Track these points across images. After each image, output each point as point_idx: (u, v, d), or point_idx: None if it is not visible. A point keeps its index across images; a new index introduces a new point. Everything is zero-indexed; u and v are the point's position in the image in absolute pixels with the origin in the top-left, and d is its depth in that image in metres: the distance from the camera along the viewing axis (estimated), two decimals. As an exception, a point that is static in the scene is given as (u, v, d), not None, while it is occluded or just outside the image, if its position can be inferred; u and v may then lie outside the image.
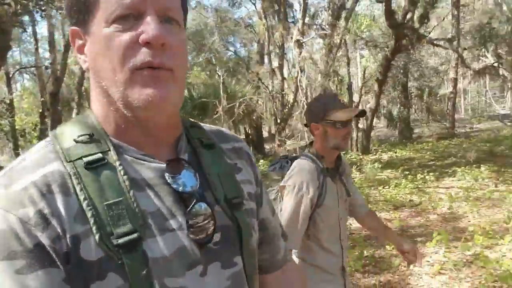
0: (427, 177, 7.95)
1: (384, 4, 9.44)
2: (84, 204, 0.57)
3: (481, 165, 8.13)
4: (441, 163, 9.80)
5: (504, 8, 17.92)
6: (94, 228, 0.56)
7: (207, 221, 0.65)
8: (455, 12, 15.38)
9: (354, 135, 13.37)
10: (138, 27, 0.59)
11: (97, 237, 0.56)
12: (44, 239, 0.54)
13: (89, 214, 0.56)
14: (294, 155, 2.05)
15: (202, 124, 0.80)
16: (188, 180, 0.66)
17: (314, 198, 1.71)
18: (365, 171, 9.09)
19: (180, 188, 0.65)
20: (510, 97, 28.13)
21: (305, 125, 1.89)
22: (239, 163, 0.78)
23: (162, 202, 0.63)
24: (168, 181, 0.64)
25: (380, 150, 13.59)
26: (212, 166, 0.71)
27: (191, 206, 0.64)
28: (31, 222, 0.54)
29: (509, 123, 18.55)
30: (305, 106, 1.88)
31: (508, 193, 5.95)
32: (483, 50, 20.38)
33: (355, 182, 7.66)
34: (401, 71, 16.07)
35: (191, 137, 0.73)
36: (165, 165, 0.65)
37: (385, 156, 12.13)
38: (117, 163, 0.61)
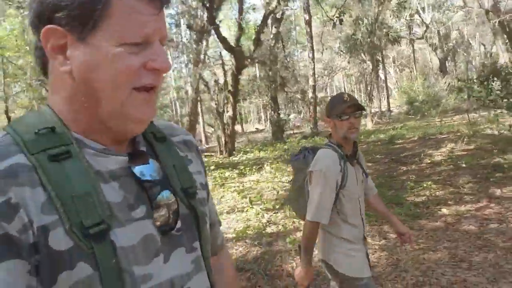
0: (230, 174, 9.86)
1: (215, 31, 11.24)
2: (52, 195, 0.57)
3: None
4: (263, 162, 11.86)
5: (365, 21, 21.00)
6: (63, 218, 0.57)
7: (171, 208, 0.69)
8: (308, 29, 17.88)
9: (222, 139, 15.24)
10: (145, 53, 0.64)
11: (66, 227, 0.57)
12: (10, 229, 0.54)
13: (57, 204, 0.57)
14: (314, 146, 2.33)
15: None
16: (150, 170, 0.69)
17: (338, 180, 2.01)
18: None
19: (147, 178, 0.67)
20: (381, 95, 32.06)
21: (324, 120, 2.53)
22: (189, 155, 0.82)
23: (127, 192, 0.65)
24: (134, 171, 0.66)
25: (247, 151, 15.56)
26: (167, 158, 0.74)
27: (157, 194, 0.67)
28: None
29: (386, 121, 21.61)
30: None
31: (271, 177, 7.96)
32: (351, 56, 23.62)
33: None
34: (271, 79, 18.18)
35: (145, 131, 0.75)
36: (126, 157, 0.68)
37: (243, 157, 14.08)
38: (81, 156, 0.62)
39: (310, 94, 18.49)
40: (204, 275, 0.76)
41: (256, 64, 18.04)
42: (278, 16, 17.55)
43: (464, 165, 7.43)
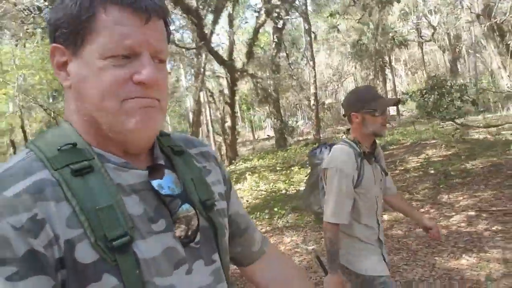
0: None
1: (206, 47, 11.84)
2: (77, 209, 0.59)
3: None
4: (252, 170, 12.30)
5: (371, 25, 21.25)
6: (88, 232, 0.58)
7: (191, 221, 0.70)
8: (308, 38, 18.27)
9: (224, 148, 15.81)
10: (132, 66, 0.64)
11: (92, 239, 0.58)
12: (36, 245, 0.55)
13: (82, 218, 0.59)
14: (332, 142, 2.23)
15: (168, 132, 0.83)
16: (170, 183, 0.70)
17: (354, 177, 1.93)
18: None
19: (166, 192, 0.69)
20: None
21: (343, 115, 2.12)
22: (207, 166, 0.83)
23: (147, 206, 0.67)
24: (154, 185, 0.68)
25: (248, 159, 16.05)
26: (185, 171, 0.75)
27: (178, 208, 0.69)
28: (24, 228, 0.55)
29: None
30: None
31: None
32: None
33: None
34: (273, 89, 18.65)
35: (163, 145, 0.77)
36: (146, 171, 0.69)
37: (241, 166, 14.57)
38: (103, 170, 0.63)
39: (312, 102, 18.81)
40: (224, 286, 0.76)
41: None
42: (279, 25, 18.07)
43: (432, 172, 7.69)
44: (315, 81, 18.94)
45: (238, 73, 12.24)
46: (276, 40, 17.73)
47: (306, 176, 8.98)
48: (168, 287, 0.65)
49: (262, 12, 10.99)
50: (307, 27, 18.92)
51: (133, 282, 0.60)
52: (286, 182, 9.24)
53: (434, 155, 9.39)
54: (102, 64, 0.63)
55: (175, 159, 0.77)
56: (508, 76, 13.38)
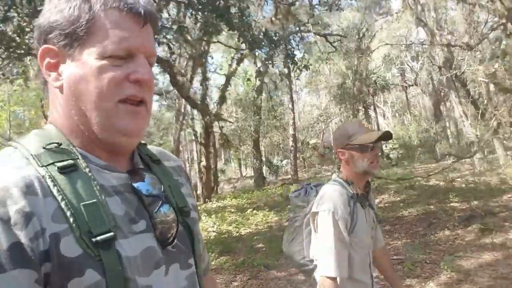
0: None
1: (178, 91, 12.53)
2: (63, 204, 0.60)
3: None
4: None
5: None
6: (73, 226, 0.59)
7: (171, 221, 0.72)
8: (287, 82, 19.09)
9: (199, 187, 16.21)
10: (128, 66, 0.68)
11: (77, 234, 0.59)
12: (22, 238, 0.56)
13: (68, 213, 0.60)
14: (318, 182, 2.01)
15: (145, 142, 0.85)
16: (149, 186, 0.73)
17: (348, 224, 1.68)
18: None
19: (148, 192, 0.71)
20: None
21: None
22: (180, 179, 0.86)
23: (128, 207, 0.68)
24: (135, 186, 0.70)
25: (224, 198, 16.37)
26: (162, 178, 0.78)
27: (158, 208, 0.71)
28: (11, 221, 0.56)
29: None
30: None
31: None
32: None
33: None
34: (253, 129, 19.28)
35: (142, 153, 0.81)
36: (127, 174, 0.71)
37: (213, 205, 14.88)
38: (87, 170, 0.65)
39: (290, 143, 19.39)
40: None
41: (236, 116, 19.34)
42: (261, 69, 18.96)
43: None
44: (293, 123, 19.62)
45: (207, 117, 12.86)
46: (257, 82, 18.57)
47: (286, 221, 9.17)
48: (147, 287, 0.66)
49: (235, 58, 11.76)
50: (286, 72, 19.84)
51: (115, 278, 0.60)
52: (237, 224, 9.57)
53: (383, 200, 9.76)
54: (101, 64, 0.66)
55: (154, 167, 0.80)
56: (470, 124, 13.91)
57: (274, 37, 7.57)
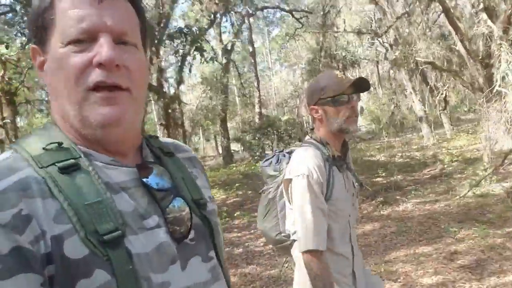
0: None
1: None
2: (65, 205, 0.58)
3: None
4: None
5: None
6: (77, 226, 0.57)
7: (184, 216, 0.69)
8: (252, 60, 19.37)
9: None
10: (91, 49, 0.62)
11: (81, 234, 0.57)
12: (22, 242, 0.54)
13: (70, 213, 0.58)
14: (290, 148, 1.81)
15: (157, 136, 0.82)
16: (162, 180, 0.70)
17: (324, 189, 1.51)
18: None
19: (159, 186, 0.68)
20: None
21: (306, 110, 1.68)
22: (194, 171, 0.83)
23: (137, 203, 0.65)
24: (145, 181, 0.67)
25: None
26: (175, 171, 0.75)
27: (170, 202, 0.68)
28: (9, 225, 0.54)
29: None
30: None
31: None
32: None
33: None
34: (220, 108, 19.69)
35: (152, 146, 0.77)
36: (135, 168, 0.68)
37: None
38: (90, 168, 0.62)
39: (257, 121, 19.87)
40: (223, 284, 0.76)
41: (203, 95, 19.72)
42: (228, 47, 19.20)
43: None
44: (259, 100, 20.07)
45: (165, 98, 13.25)
46: (224, 61, 18.84)
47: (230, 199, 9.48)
48: (163, 283, 0.64)
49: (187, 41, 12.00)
50: (251, 50, 20.13)
51: (126, 277, 0.59)
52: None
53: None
54: (63, 51, 0.62)
55: (165, 159, 0.76)
56: (420, 100, 14.48)
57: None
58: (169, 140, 0.86)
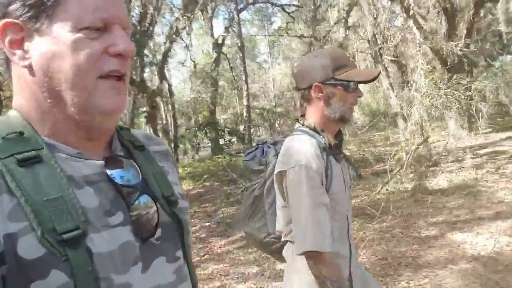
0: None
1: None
2: (22, 201, 0.54)
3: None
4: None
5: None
6: (34, 224, 0.54)
7: (150, 214, 0.65)
8: (241, 54, 19.71)
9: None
10: (105, 38, 0.62)
11: (38, 233, 0.54)
12: None
13: (27, 210, 0.54)
14: (276, 139, 1.63)
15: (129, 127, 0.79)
16: (128, 175, 0.66)
17: (323, 181, 1.35)
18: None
19: (124, 182, 0.65)
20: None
21: (298, 89, 1.48)
22: (166, 166, 0.79)
23: (102, 198, 0.63)
24: (110, 175, 0.64)
25: (184, 166, 17.46)
26: (146, 165, 0.72)
27: (135, 199, 0.65)
28: None
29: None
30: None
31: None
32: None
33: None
34: (209, 101, 20.17)
35: (123, 138, 0.74)
36: (102, 162, 0.65)
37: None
38: (53, 161, 0.59)
39: (245, 114, 20.32)
40: (188, 285, 0.73)
41: (192, 88, 20.26)
42: (219, 41, 19.63)
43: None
44: (247, 94, 20.50)
45: (147, 92, 13.84)
46: (215, 54, 19.28)
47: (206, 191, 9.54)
48: (124, 285, 0.61)
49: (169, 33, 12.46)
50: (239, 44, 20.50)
51: (85, 278, 0.56)
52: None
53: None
54: (76, 37, 0.61)
55: (135, 153, 0.73)
56: (396, 96, 14.71)
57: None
58: (141, 132, 0.83)
